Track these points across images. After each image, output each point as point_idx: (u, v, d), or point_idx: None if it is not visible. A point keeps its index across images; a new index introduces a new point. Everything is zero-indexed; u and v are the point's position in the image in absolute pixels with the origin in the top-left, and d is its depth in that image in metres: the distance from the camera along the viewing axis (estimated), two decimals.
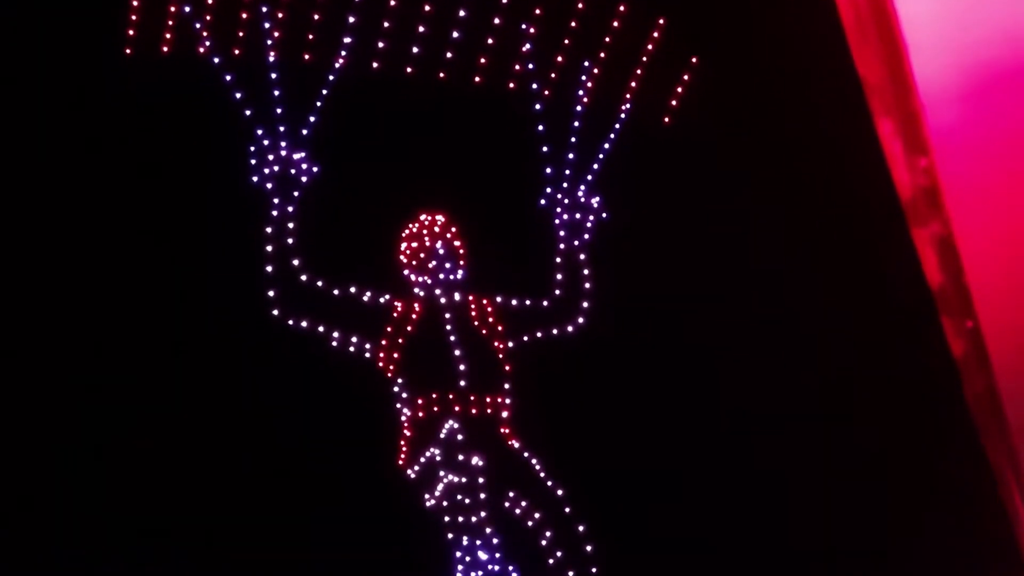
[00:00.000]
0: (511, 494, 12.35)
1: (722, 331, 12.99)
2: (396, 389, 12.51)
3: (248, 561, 11.80)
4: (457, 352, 12.57)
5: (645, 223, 13.22)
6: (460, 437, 12.27)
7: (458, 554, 11.98)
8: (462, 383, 12.49)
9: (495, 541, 12.04)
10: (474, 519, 12.09)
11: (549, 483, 12.43)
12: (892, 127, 10.78)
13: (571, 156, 13.29)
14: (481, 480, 12.24)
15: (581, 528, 12.32)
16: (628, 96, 13.54)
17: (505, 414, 12.55)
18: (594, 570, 12.26)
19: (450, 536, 12.01)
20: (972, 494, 11.86)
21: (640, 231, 13.23)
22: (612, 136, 13.44)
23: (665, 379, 13.06)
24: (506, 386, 12.66)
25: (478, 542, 12.01)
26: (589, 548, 12.30)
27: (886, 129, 10.80)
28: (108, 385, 11.78)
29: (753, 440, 12.79)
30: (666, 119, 13.50)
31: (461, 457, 12.22)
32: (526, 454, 12.55)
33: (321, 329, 12.42)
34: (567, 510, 12.39)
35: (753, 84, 13.34)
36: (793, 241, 12.94)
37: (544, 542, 12.28)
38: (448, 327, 12.67)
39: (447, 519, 12.07)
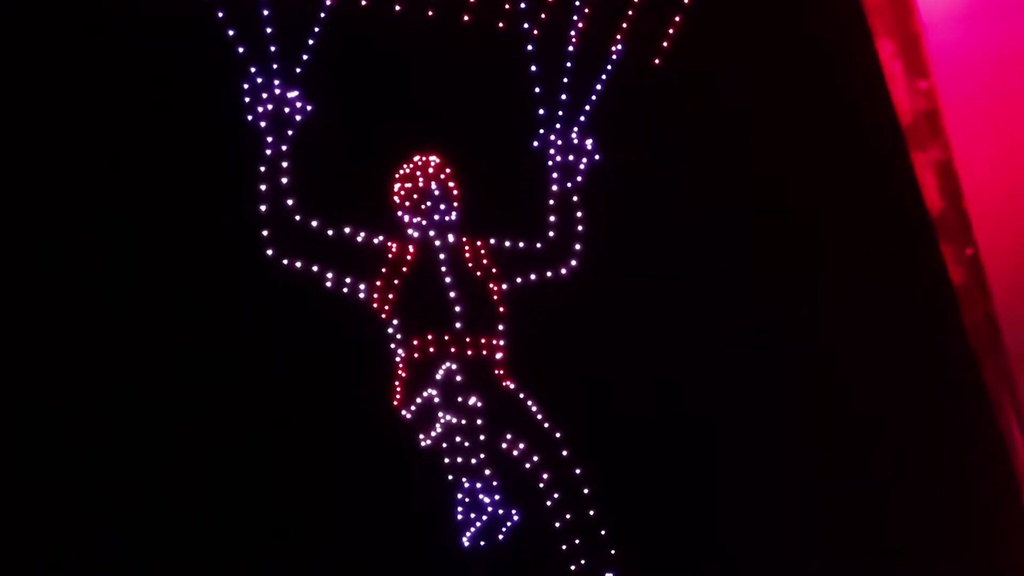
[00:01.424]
0: (508, 436, 12.42)
1: (719, 269, 13.07)
2: (390, 330, 12.57)
3: (240, 504, 11.84)
4: (452, 294, 12.63)
5: (639, 164, 13.26)
6: (458, 379, 12.34)
7: (459, 496, 12.03)
8: (457, 325, 12.55)
9: (495, 484, 12.10)
10: (473, 460, 12.15)
11: (546, 425, 12.52)
12: (892, 49, 10.79)
13: (564, 97, 13.34)
14: (479, 422, 12.31)
15: (578, 470, 12.42)
16: (620, 36, 13.57)
17: (500, 356, 12.62)
18: (592, 512, 12.36)
19: (450, 478, 12.07)
20: (970, 423, 11.98)
21: (634, 173, 13.27)
22: (605, 77, 13.49)
23: (659, 320, 13.14)
24: (500, 328, 12.74)
25: (478, 484, 12.07)
26: (587, 490, 12.41)
27: (886, 51, 10.82)
28: (98, 323, 11.78)
29: (750, 372, 12.88)
30: (658, 59, 13.53)
31: (459, 399, 12.29)
32: (522, 396, 12.65)
33: (315, 270, 12.45)
34: (564, 452, 12.48)
35: (748, 10, 13.29)
36: (791, 170, 12.97)
37: (542, 484, 12.36)
38: (443, 268, 12.72)
39: (446, 460, 12.13)
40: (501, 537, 11.99)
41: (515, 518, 12.01)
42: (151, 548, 11.38)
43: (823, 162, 12.86)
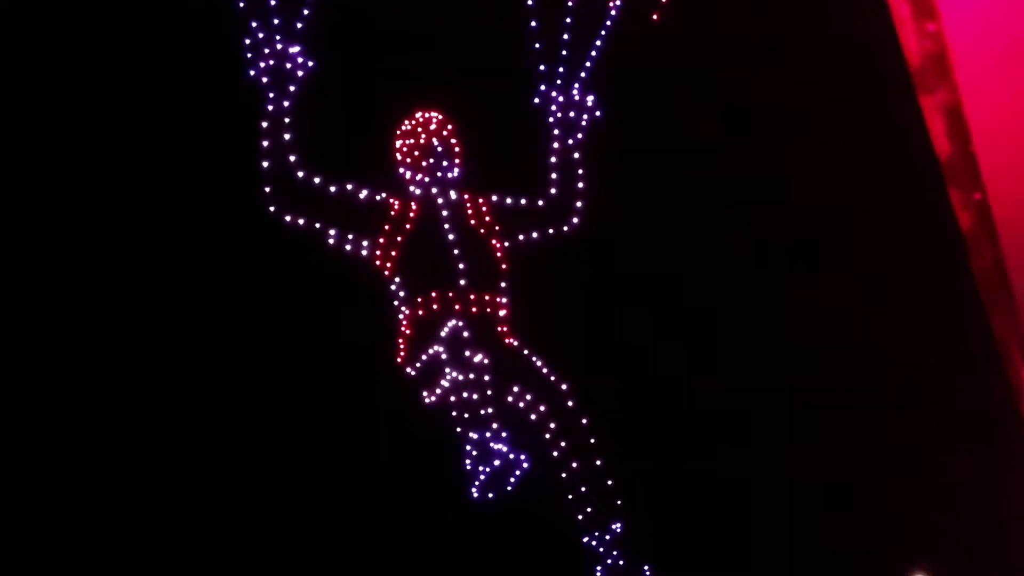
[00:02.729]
0: (515, 388, 12.49)
1: (720, 222, 13.12)
2: (393, 288, 12.61)
3: (244, 461, 11.91)
4: (455, 251, 12.67)
5: (640, 121, 13.29)
6: (465, 336, 12.39)
7: (467, 448, 12.10)
8: (461, 282, 12.59)
9: (503, 433, 12.17)
10: (481, 412, 12.22)
11: (552, 378, 12.59)
12: None
13: (564, 53, 13.37)
14: (486, 377, 12.37)
15: (584, 420, 12.52)
16: None
17: (503, 313, 12.68)
18: (598, 462, 12.45)
19: (458, 430, 12.13)
20: (977, 369, 12.06)
21: (635, 129, 13.30)
22: (605, 33, 13.50)
23: (661, 276, 13.19)
24: (503, 285, 12.79)
25: (487, 434, 12.14)
26: (592, 440, 12.50)
27: None
28: (101, 276, 11.85)
29: (753, 324, 12.97)
30: (657, 14, 13.55)
31: (466, 356, 12.34)
32: (526, 352, 12.71)
33: (318, 226, 12.48)
34: (570, 403, 12.57)
35: None
36: (797, 115, 13.00)
37: (548, 435, 12.44)
38: (445, 226, 12.75)
39: (454, 414, 12.19)
40: (510, 488, 12.09)
41: (524, 464, 12.10)
42: (154, 491, 11.58)
43: (830, 107, 12.89)
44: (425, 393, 12.38)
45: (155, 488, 11.65)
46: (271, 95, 12.31)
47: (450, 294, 12.56)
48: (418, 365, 12.44)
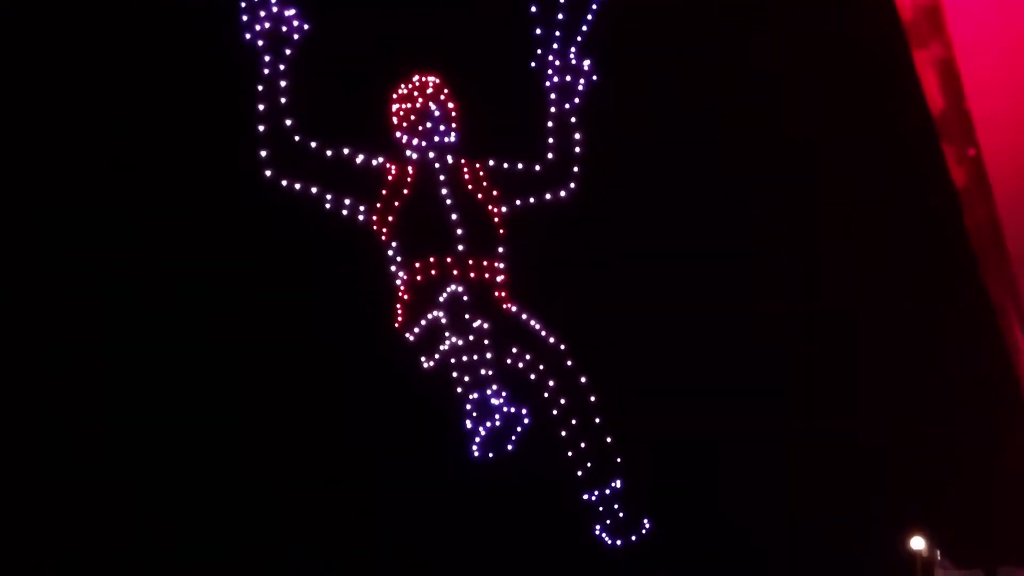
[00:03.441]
0: (514, 350, 12.55)
1: (715, 184, 13.14)
2: (391, 253, 12.67)
3: (241, 427, 11.96)
4: (453, 216, 12.73)
5: (638, 85, 13.32)
6: (465, 300, 12.45)
7: (467, 407, 12.16)
8: (460, 247, 12.65)
9: (503, 393, 12.24)
10: (481, 372, 12.29)
11: (551, 339, 12.65)
12: None
13: (561, 17, 13.40)
14: (486, 341, 12.43)
15: (583, 379, 12.57)
16: None
17: (500, 279, 12.74)
18: (598, 420, 12.51)
19: (459, 390, 12.19)
20: (971, 324, 12.08)
21: (633, 94, 13.34)
22: None
23: (657, 240, 13.21)
24: (500, 250, 12.86)
25: (488, 392, 12.21)
26: (593, 398, 12.56)
27: None
28: (98, 238, 11.92)
29: (750, 280, 13.01)
30: None
31: (466, 320, 12.41)
32: (524, 316, 12.77)
33: (314, 191, 12.54)
34: (568, 363, 12.63)
35: None
36: (790, 71, 12.99)
37: (547, 393, 12.51)
38: (443, 191, 12.81)
39: (454, 375, 12.26)
40: (510, 447, 12.15)
41: (525, 420, 12.17)
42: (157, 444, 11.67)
43: (822, 63, 12.88)
44: (423, 358, 12.48)
45: (158, 441, 11.70)
46: (267, 58, 12.38)
47: (448, 259, 12.62)
48: (417, 330, 12.53)
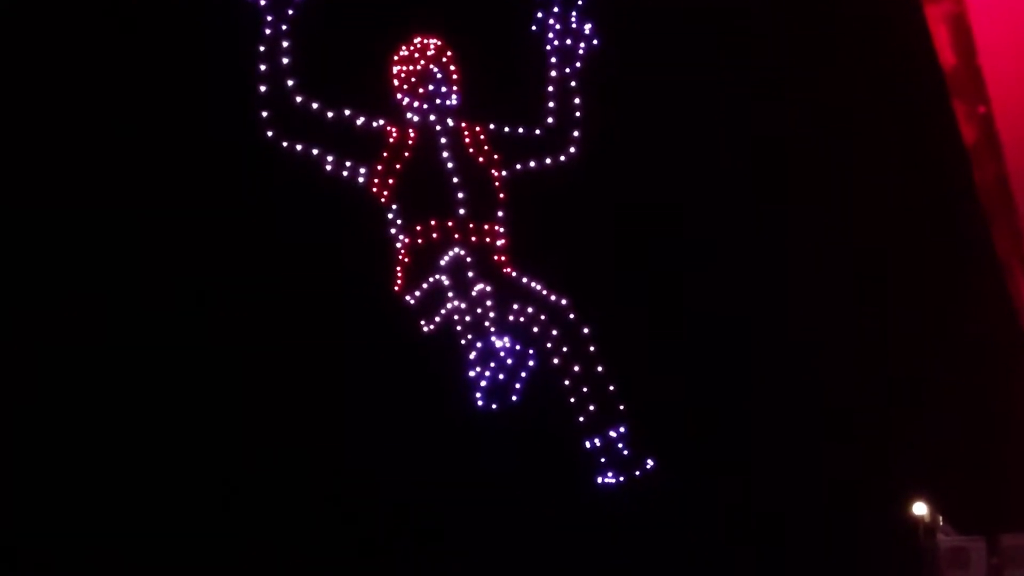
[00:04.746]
0: (515, 306, 12.57)
1: (717, 148, 13.16)
2: (391, 216, 12.67)
3: (248, 385, 11.96)
4: (454, 180, 12.74)
5: (638, 49, 13.32)
6: (468, 262, 12.47)
7: (471, 356, 12.22)
8: (461, 211, 12.66)
9: (506, 340, 12.30)
10: (484, 324, 12.35)
11: (552, 297, 12.68)
12: None
13: None
14: (489, 303, 12.47)
15: (586, 330, 12.63)
16: None
17: (501, 243, 12.75)
18: (600, 368, 12.55)
19: (462, 342, 12.25)
20: (979, 284, 12.12)
21: (633, 57, 13.34)
22: None
23: (657, 204, 13.23)
24: (500, 214, 12.87)
25: (491, 338, 12.27)
26: (593, 348, 12.62)
27: None
28: (99, 201, 11.87)
29: (752, 243, 13.05)
30: None
31: (468, 283, 12.43)
32: (524, 280, 12.79)
33: (315, 152, 12.52)
34: (571, 316, 12.66)
35: None
36: (797, 27, 12.94)
37: (550, 344, 12.53)
38: (444, 154, 12.82)
39: (458, 328, 12.31)
40: (515, 397, 12.18)
41: (531, 362, 12.21)
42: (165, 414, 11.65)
43: (831, 21, 12.81)
44: (424, 321, 12.49)
45: (166, 412, 11.70)
46: (269, 18, 12.37)
47: (449, 223, 12.63)
48: (418, 294, 12.54)
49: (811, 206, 12.96)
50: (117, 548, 11.26)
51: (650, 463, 12.43)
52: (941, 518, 12.27)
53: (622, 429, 12.46)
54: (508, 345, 12.25)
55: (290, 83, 12.40)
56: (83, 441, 11.52)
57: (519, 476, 12.02)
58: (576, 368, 12.55)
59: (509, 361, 12.22)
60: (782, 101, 13.06)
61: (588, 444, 12.44)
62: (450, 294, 12.40)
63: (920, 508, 12.27)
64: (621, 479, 12.36)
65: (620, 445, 12.40)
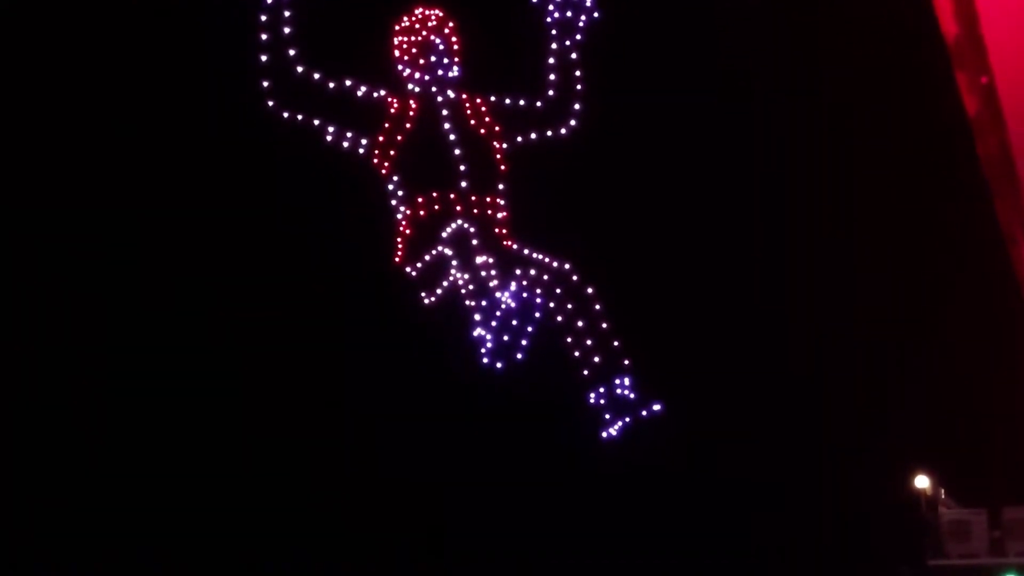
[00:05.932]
0: (518, 271, 12.59)
1: (718, 120, 13.16)
2: (391, 187, 12.67)
3: (251, 357, 11.97)
4: (456, 152, 12.75)
5: (639, 21, 13.33)
6: (471, 232, 12.49)
7: (476, 316, 12.27)
8: (462, 183, 12.67)
9: (510, 291, 12.34)
10: (489, 285, 12.41)
11: (555, 264, 12.69)
12: None
13: None
14: (492, 272, 12.49)
15: (590, 290, 12.67)
16: None
17: (502, 215, 12.77)
18: (604, 325, 12.58)
19: (467, 302, 12.29)
20: (982, 253, 12.14)
21: (634, 30, 13.34)
22: None
23: (657, 176, 13.25)
24: (501, 187, 12.88)
25: (496, 297, 12.32)
26: (597, 307, 12.64)
27: None
28: (100, 170, 11.88)
29: (753, 210, 13.08)
30: None
31: (471, 255, 12.45)
32: (526, 251, 12.80)
33: (316, 123, 12.51)
34: (574, 277, 12.69)
35: None
36: (797, 5, 13.05)
37: (553, 304, 12.55)
38: (445, 126, 12.82)
39: (461, 293, 12.35)
40: (520, 356, 12.22)
41: (537, 313, 12.24)
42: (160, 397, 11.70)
43: None
44: (424, 293, 12.50)
45: (163, 378, 11.72)
46: None
47: (451, 195, 12.64)
48: (419, 266, 12.55)
49: (813, 179, 12.99)
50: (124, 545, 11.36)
51: (657, 407, 12.50)
52: (943, 491, 12.32)
53: (627, 379, 12.51)
54: (512, 304, 12.28)
55: (291, 53, 12.40)
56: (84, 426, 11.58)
57: (523, 435, 12.08)
58: (580, 324, 12.57)
59: (514, 321, 12.26)
60: (784, 73, 13.08)
61: (593, 397, 12.47)
62: (454, 263, 12.42)
63: (922, 481, 12.31)
64: (627, 421, 12.38)
65: (626, 391, 12.44)
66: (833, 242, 12.85)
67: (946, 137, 12.08)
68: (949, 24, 10.95)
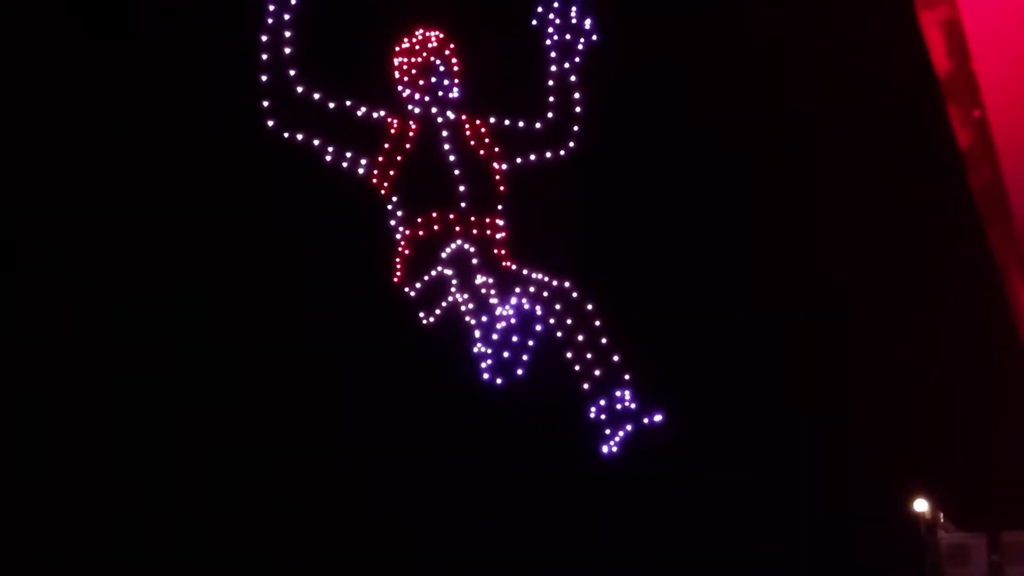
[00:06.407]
0: (517, 290, 12.63)
1: (715, 142, 13.22)
2: (391, 207, 12.71)
3: (248, 376, 12.01)
4: (456, 172, 12.80)
5: (638, 45, 13.40)
6: (471, 252, 12.53)
7: (476, 333, 12.31)
8: (462, 204, 12.72)
9: (511, 306, 12.38)
10: (489, 302, 12.46)
11: (554, 283, 12.72)
12: None
13: None
14: (492, 292, 12.53)
15: (590, 306, 12.69)
16: None
17: (501, 236, 12.81)
18: (604, 340, 12.60)
19: (467, 319, 12.34)
20: (976, 284, 12.18)
21: (633, 53, 13.41)
22: None
23: (655, 199, 13.30)
24: (500, 208, 12.94)
25: (496, 313, 12.36)
26: (598, 323, 12.64)
27: None
28: (104, 192, 11.92)
29: (750, 234, 13.13)
30: None
31: (471, 275, 12.48)
32: (525, 271, 12.84)
33: (316, 143, 12.57)
34: (574, 294, 12.71)
35: None
36: (795, 29, 13.00)
37: (553, 319, 12.57)
38: (445, 146, 12.87)
39: (462, 309, 12.40)
40: (520, 371, 12.24)
41: (539, 327, 12.25)
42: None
43: (828, 22, 12.85)
44: (423, 313, 12.53)
45: (166, 405, 11.79)
46: (271, 8, 12.44)
47: (451, 216, 12.68)
48: (419, 286, 12.58)
49: (807, 209, 13.06)
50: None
51: (658, 417, 12.49)
52: (942, 515, 12.33)
53: (627, 393, 12.50)
54: (513, 320, 12.31)
55: (292, 73, 12.47)
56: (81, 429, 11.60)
57: (525, 448, 12.10)
58: (580, 338, 12.59)
59: (514, 337, 12.28)
60: (779, 103, 13.15)
61: (593, 411, 12.46)
62: (454, 283, 12.45)
63: (921, 505, 12.33)
64: (628, 430, 12.39)
65: (627, 403, 12.45)
66: (830, 271, 12.89)
67: (940, 169, 12.14)
68: (941, 60, 11.04)
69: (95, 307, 11.87)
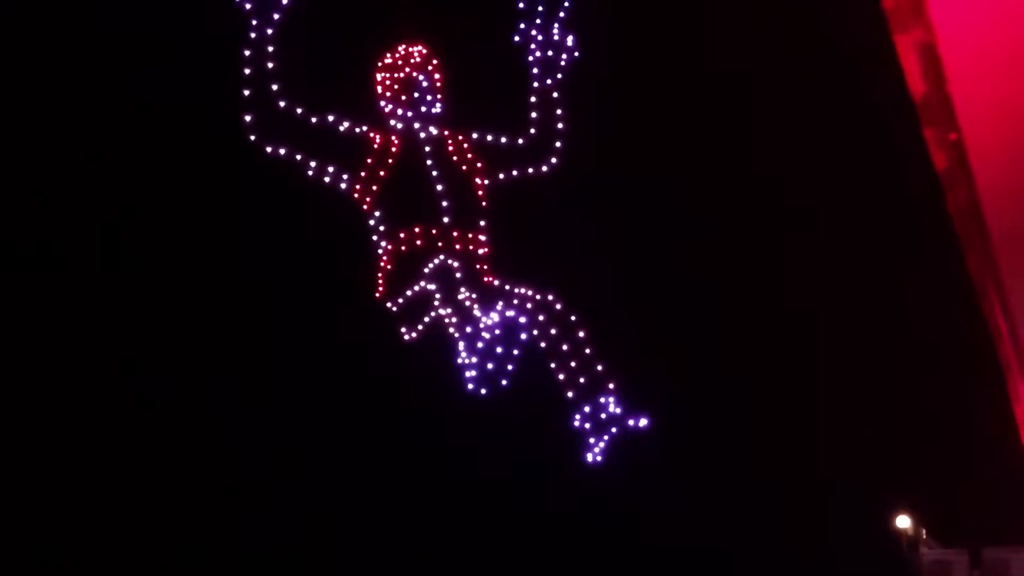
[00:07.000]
0: (500, 303, 12.63)
1: (698, 158, 13.30)
2: (372, 223, 12.73)
3: (221, 382, 12.05)
4: (438, 188, 12.82)
5: (620, 61, 13.47)
6: (453, 267, 12.54)
7: (460, 344, 12.32)
8: (444, 219, 12.74)
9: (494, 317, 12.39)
10: (473, 314, 12.45)
11: (537, 296, 12.73)
12: None
13: None
14: (475, 307, 12.53)
15: (573, 317, 12.65)
16: None
17: (483, 251, 12.84)
18: (588, 351, 12.58)
19: (450, 331, 12.34)
20: (953, 305, 12.26)
21: (615, 69, 13.48)
22: None
23: (638, 215, 13.37)
24: (483, 223, 12.96)
25: (480, 325, 12.37)
26: (582, 333, 12.63)
27: None
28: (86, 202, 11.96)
29: (731, 254, 13.19)
30: None
31: (453, 291, 12.49)
32: (507, 287, 12.86)
33: (298, 157, 12.58)
34: (558, 306, 12.71)
35: None
36: (770, 53, 13.09)
37: (537, 331, 12.57)
38: (427, 162, 12.89)
39: (446, 321, 12.40)
40: (505, 382, 12.22)
41: (523, 335, 12.25)
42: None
43: (803, 46, 12.85)
44: (405, 329, 12.54)
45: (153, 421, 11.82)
46: (254, 22, 12.40)
47: (433, 231, 12.70)
48: (401, 301, 12.59)
49: (782, 231, 13.12)
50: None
51: (644, 421, 12.46)
52: (924, 531, 12.39)
53: (611, 399, 12.47)
54: (497, 331, 12.32)
55: (274, 88, 12.47)
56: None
57: (511, 459, 12.12)
58: (564, 347, 12.60)
59: (498, 348, 12.29)
60: (758, 124, 13.22)
61: (578, 419, 12.42)
62: (437, 297, 12.46)
63: (904, 521, 12.41)
64: (613, 433, 12.38)
65: (611, 411, 12.44)
66: (808, 294, 12.95)
67: (916, 192, 12.22)
68: (917, 83, 11.04)
69: (73, 317, 11.94)
